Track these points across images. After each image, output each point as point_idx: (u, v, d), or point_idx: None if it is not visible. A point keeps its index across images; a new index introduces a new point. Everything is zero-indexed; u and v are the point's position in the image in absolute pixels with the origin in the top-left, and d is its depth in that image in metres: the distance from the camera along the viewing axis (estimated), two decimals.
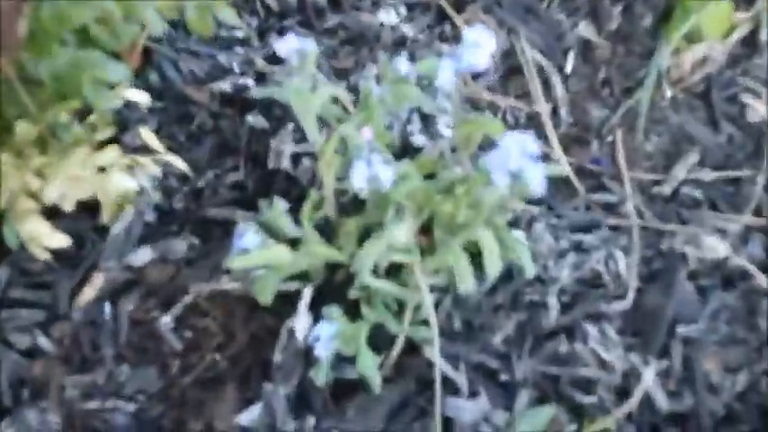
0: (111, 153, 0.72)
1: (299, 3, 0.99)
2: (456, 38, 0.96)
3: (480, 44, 0.66)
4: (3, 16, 0.64)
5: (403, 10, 0.98)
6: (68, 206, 0.68)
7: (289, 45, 0.65)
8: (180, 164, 0.82)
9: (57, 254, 0.81)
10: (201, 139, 0.90)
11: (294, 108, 0.69)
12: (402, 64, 0.72)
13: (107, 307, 0.81)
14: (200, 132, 0.91)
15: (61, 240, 0.68)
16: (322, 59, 0.93)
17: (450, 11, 0.97)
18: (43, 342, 0.79)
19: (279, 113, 0.88)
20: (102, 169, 0.74)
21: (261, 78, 0.92)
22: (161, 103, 0.91)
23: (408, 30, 0.97)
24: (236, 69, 0.93)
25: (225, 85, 0.91)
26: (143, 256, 0.83)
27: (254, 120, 0.88)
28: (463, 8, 0.98)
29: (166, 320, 0.80)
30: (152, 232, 0.85)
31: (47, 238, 0.67)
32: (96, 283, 0.82)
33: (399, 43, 0.96)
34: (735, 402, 0.75)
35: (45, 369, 0.79)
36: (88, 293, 0.82)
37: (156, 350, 0.80)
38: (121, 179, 0.68)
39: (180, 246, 0.83)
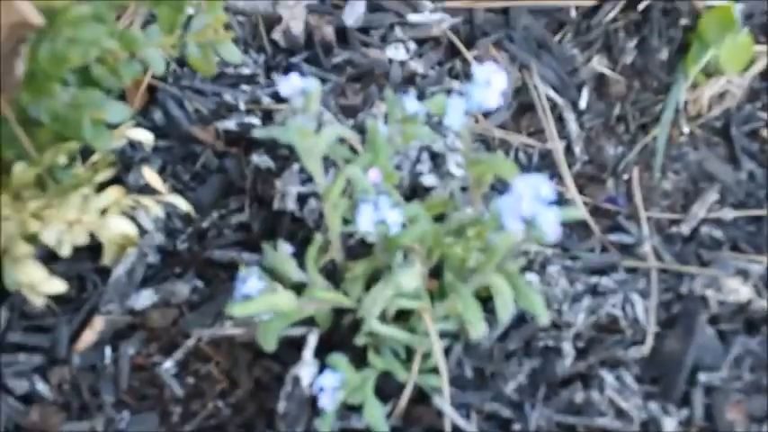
0: (111, 195, 0.71)
1: (307, 39, 0.99)
2: (467, 74, 0.94)
3: (490, 82, 0.65)
4: (0, 57, 0.64)
5: (412, 46, 0.97)
6: (65, 251, 0.67)
7: (292, 84, 0.64)
8: (183, 204, 0.81)
9: (57, 296, 0.80)
10: (206, 179, 0.89)
11: (298, 149, 0.67)
12: (410, 102, 0.71)
13: (107, 351, 0.80)
14: (204, 172, 0.89)
15: (58, 286, 0.67)
16: (330, 97, 0.92)
17: (460, 46, 0.96)
18: (41, 387, 0.78)
19: (285, 153, 0.86)
20: (103, 211, 0.73)
21: (267, 117, 0.91)
22: (165, 142, 0.90)
23: (418, 66, 0.95)
24: (242, 107, 0.92)
25: (230, 124, 0.90)
26: (145, 299, 0.82)
27: (260, 159, 0.87)
28: (474, 43, 0.96)
29: (168, 366, 0.79)
30: (154, 274, 0.84)
31: (43, 284, 0.66)
32: (97, 327, 0.81)
33: (408, 80, 0.95)
34: None
35: (43, 415, 0.77)
36: (88, 337, 0.81)
37: (158, 396, 0.78)
38: (119, 223, 0.67)
39: (183, 289, 0.82)
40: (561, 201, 0.85)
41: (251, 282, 0.67)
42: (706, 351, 0.76)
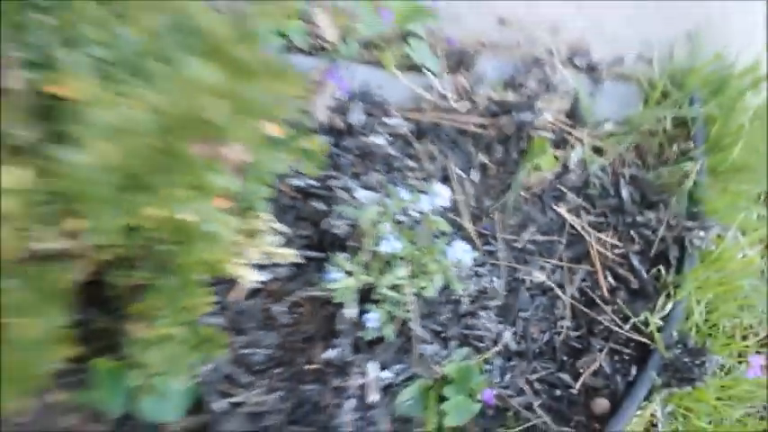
0: (271, 239, 1.69)
1: (329, 126, 1.96)
2: (417, 157, 1.96)
3: (442, 194, 1.68)
4: None
5: (388, 137, 1.98)
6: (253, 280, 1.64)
7: (365, 194, 1.64)
8: (280, 227, 1.80)
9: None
10: (286, 212, 1.87)
11: (362, 220, 1.68)
12: (404, 194, 1.73)
13: (251, 302, 1.78)
14: (285, 208, 1.88)
15: (259, 277, 1.65)
16: (349, 168, 1.92)
17: (412, 139, 1.98)
18: (218, 320, 1.76)
19: (332, 200, 1.87)
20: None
21: (318, 178, 1.90)
22: None
23: (391, 150, 1.96)
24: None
25: (298, 182, 1.88)
26: (263, 276, 1.80)
27: (317, 204, 1.86)
28: (420, 138, 1.99)
29: (280, 309, 1.79)
30: (265, 263, 1.82)
31: (252, 277, 1.64)
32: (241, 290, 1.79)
33: (386, 157, 1.96)
34: (544, 346, 1.85)
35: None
36: (238, 293, 1.79)
37: (276, 324, 1.78)
38: (289, 252, 1.64)
39: (282, 271, 1.82)
40: (462, 227, 1.91)
41: (334, 273, 1.69)
42: (524, 303, 1.86)
